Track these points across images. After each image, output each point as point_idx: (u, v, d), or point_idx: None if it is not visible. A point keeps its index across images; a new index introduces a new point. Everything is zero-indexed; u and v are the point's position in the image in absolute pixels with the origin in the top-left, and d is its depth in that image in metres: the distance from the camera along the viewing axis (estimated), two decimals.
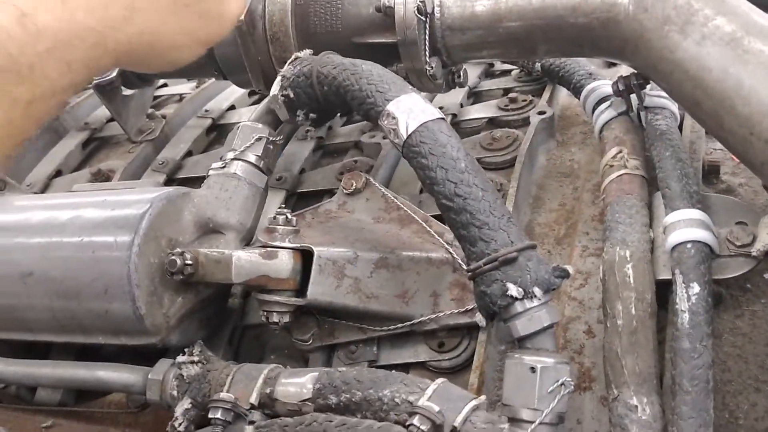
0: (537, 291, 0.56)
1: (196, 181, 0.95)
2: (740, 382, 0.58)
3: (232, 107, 1.08)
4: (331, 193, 0.86)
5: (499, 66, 1.06)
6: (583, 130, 0.87)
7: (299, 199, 0.88)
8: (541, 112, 0.85)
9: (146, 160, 0.99)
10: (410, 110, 0.64)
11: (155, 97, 1.14)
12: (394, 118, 0.64)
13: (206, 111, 1.05)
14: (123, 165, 0.97)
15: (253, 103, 1.09)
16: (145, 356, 0.69)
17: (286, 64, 0.74)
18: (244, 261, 0.64)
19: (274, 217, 0.66)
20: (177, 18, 0.57)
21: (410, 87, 0.67)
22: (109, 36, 0.51)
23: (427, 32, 0.75)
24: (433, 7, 0.75)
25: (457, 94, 0.94)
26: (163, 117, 1.05)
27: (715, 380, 0.58)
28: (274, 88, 0.74)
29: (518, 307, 0.56)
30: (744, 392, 0.58)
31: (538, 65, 0.92)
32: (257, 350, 0.76)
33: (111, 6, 0.52)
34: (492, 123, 0.90)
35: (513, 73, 1.00)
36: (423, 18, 0.74)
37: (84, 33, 0.50)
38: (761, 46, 0.56)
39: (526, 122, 0.87)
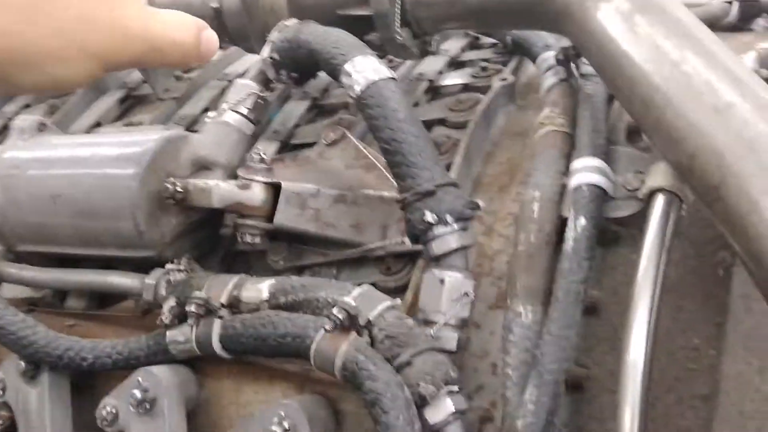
0: (449, 218, 0.68)
1: None
2: (624, 304, 0.69)
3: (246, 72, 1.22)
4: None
5: (487, 40, 1.16)
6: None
7: (292, 150, 1.01)
8: (503, 79, 0.96)
9: (169, 114, 1.14)
10: (364, 69, 0.76)
11: None
12: (350, 75, 0.77)
13: (225, 74, 1.20)
14: (149, 119, 1.13)
15: None
16: (147, 271, 0.85)
17: (275, 31, 0.88)
18: (224, 190, 0.78)
19: (251, 155, 0.81)
20: (49, 19, 0.46)
21: (368, 50, 0.79)
22: None
23: (398, 6, 0.87)
24: None
25: (439, 63, 1.06)
26: (189, 78, 1.21)
27: (603, 301, 0.69)
28: (264, 51, 0.88)
29: (435, 231, 0.69)
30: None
31: (509, 38, 1.03)
32: (244, 271, 0.90)
33: None
34: (465, 89, 1.02)
35: (494, 47, 1.11)
36: None
37: None
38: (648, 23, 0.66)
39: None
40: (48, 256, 0.90)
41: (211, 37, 0.54)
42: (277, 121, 1.03)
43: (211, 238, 0.89)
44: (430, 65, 1.06)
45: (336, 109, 1.07)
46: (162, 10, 0.53)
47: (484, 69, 1.02)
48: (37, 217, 0.86)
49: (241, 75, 1.21)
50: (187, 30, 0.53)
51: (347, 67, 0.77)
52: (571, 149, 0.78)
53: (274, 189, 0.80)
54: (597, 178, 0.70)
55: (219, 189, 0.78)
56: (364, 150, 0.89)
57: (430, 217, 0.68)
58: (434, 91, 1.03)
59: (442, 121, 0.95)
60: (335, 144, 0.91)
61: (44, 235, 0.87)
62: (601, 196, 0.70)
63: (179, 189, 0.79)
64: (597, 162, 0.71)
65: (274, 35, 0.87)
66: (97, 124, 1.18)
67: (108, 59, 0.49)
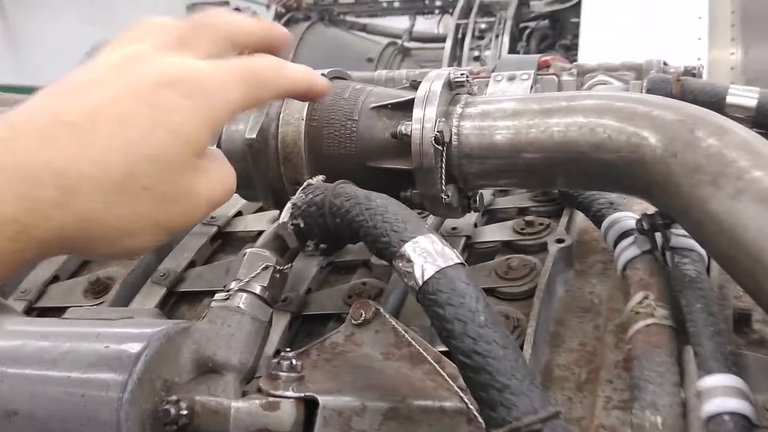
0: None
1: (196, 296, 0.92)
2: None
3: (239, 213, 1.05)
4: (338, 317, 0.82)
5: None
6: (602, 259, 0.83)
7: (304, 322, 0.84)
8: (559, 240, 0.82)
9: (147, 269, 0.95)
10: (427, 253, 0.60)
11: None
12: (409, 261, 0.60)
13: (212, 218, 1.02)
14: (123, 274, 0.94)
15: (259, 209, 1.06)
16: None
17: (298, 191, 0.71)
18: (244, 413, 0.59)
19: (278, 362, 0.62)
20: (129, 202, 0.47)
21: (427, 226, 0.64)
22: (37, 226, 0.43)
23: (444, 161, 0.73)
24: (451, 136, 0.72)
25: (471, 213, 0.91)
26: None
27: None
28: (284, 216, 0.71)
29: None
30: None
31: None
32: None
33: (42, 189, 0.43)
34: (507, 246, 0.87)
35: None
36: (440, 147, 0.71)
37: (5, 223, 0.42)
38: None
39: (543, 248, 0.84)
40: None
41: None
42: (285, 286, 0.85)
43: None
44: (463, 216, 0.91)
45: (352, 268, 0.91)
46: (216, 163, 0.54)
47: (529, 223, 0.88)
48: None
49: (237, 215, 1.05)
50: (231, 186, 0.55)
51: (407, 249, 0.60)
52: (679, 351, 0.63)
53: (306, 404, 0.62)
54: (738, 405, 0.55)
55: (238, 412, 0.59)
56: (405, 334, 0.72)
57: None
58: (472, 251, 0.88)
59: (491, 291, 0.80)
60: (367, 325, 0.74)
61: None
62: (747, 428, 0.54)
63: (183, 411, 0.59)
64: (734, 381, 0.56)
65: (297, 197, 0.70)
66: (54, 278, 0.98)
67: (177, 229, 0.52)
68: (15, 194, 0.42)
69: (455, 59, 3.90)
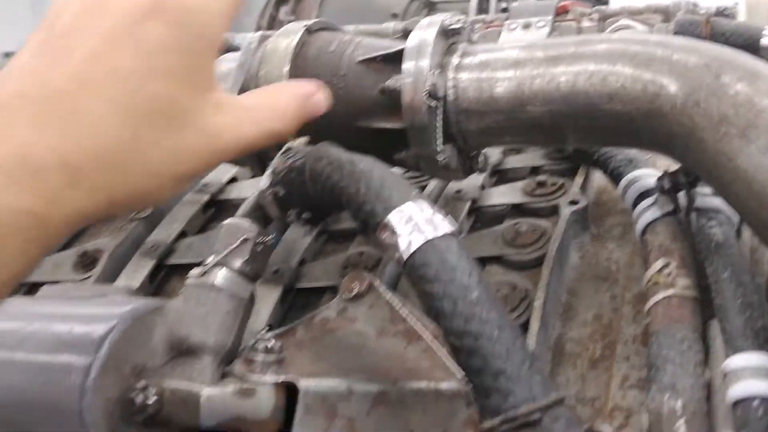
0: None
1: (188, 268, 0.86)
2: None
3: (233, 179, 0.99)
4: (333, 290, 0.76)
5: None
6: (621, 221, 0.76)
7: (298, 295, 0.78)
8: (573, 202, 0.75)
9: (137, 240, 0.90)
10: (414, 223, 0.54)
11: None
12: (393, 232, 0.54)
13: (204, 185, 0.96)
14: (111, 246, 0.89)
15: (256, 174, 1.00)
16: None
17: (277, 155, 0.65)
18: (216, 401, 0.54)
19: (254, 345, 0.57)
20: (140, 163, 0.44)
21: (416, 191, 0.57)
22: (52, 212, 0.41)
23: (439, 117, 0.65)
24: (446, 90, 0.65)
25: (477, 175, 0.84)
26: None
27: None
28: (263, 183, 0.65)
29: None
30: None
31: None
32: None
33: (47, 174, 0.41)
34: (517, 210, 0.80)
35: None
36: (434, 103, 0.64)
37: (18, 216, 0.40)
38: None
39: (555, 211, 0.76)
40: None
41: (316, 104, 0.54)
42: (276, 257, 0.80)
43: None
44: (469, 177, 0.84)
45: (349, 236, 0.85)
46: (253, 96, 0.53)
47: (540, 184, 0.80)
48: None
49: (231, 181, 0.99)
50: (281, 117, 0.51)
51: (391, 218, 0.54)
52: (704, 326, 0.56)
53: (288, 389, 0.56)
54: None
55: (209, 400, 0.54)
56: (399, 310, 0.66)
57: None
58: (479, 215, 0.81)
59: (497, 260, 0.73)
60: (360, 299, 0.68)
61: None
62: None
63: (150, 400, 0.54)
64: (765, 360, 0.49)
65: (276, 162, 0.64)
66: None
67: (201, 171, 0.49)
68: (21, 185, 0.40)
69: (482, 12, 3.76)
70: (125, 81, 0.43)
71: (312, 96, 0.53)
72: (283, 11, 3.17)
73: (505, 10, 3.91)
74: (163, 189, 0.47)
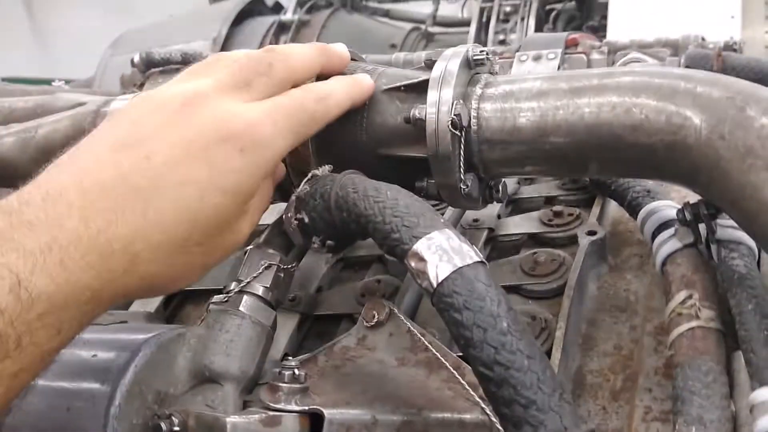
0: None
1: (202, 295, 0.86)
2: None
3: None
4: (350, 317, 0.76)
5: None
6: (638, 252, 0.76)
7: (315, 323, 0.78)
8: (591, 232, 0.75)
9: None
10: (443, 251, 0.54)
11: None
12: (422, 259, 0.54)
13: None
14: None
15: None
16: None
17: (302, 183, 0.65)
18: (241, 429, 0.54)
19: (280, 372, 0.57)
20: (185, 257, 0.52)
21: (443, 221, 0.57)
22: (106, 289, 0.47)
23: (462, 147, 0.66)
24: (470, 120, 0.65)
25: (493, 204, 0.84)
26: None
27: None
28: (287, 210, 0.65)
29: None
30: None
31: None
32: None
33: (112, 259, 0.47)
34: (534, 240, 0.80)
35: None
36: (458, 132, 0.65)
37: (80, 292, 0.45)
38: None
39: (572, 241, 0.77)
40: None
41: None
42: (293, 284, 0.79)
43: None
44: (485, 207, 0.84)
45: (366, 263, 0.85)
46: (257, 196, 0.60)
47: (557, 214, 0.81)
48: None
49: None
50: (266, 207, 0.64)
51: (419, 246, 0.54)
52: (728, 358, 0.56)
53: (311, 418, 0.56)
54: None
55: (236, 428, 0.53)
56: (421, 337, 0.66)
57: None
58: (495, 244, 0.81)
59: (516, 289, 0.73)
60: (380, 327, 0.68)
61: None
62: None
63: (176, 427, 0.54)
64: None
65: (301, 189, 0.64)
66: None
67: (212, 267, 0.59)
68: (88, 264, 0.46)
69: (479, 43, 3.80)
70: (193, 191, 0.51)
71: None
72: (283, 40, 3.20)
73: (503, 41, 3.96)
74: (194, 278, 0.57)
